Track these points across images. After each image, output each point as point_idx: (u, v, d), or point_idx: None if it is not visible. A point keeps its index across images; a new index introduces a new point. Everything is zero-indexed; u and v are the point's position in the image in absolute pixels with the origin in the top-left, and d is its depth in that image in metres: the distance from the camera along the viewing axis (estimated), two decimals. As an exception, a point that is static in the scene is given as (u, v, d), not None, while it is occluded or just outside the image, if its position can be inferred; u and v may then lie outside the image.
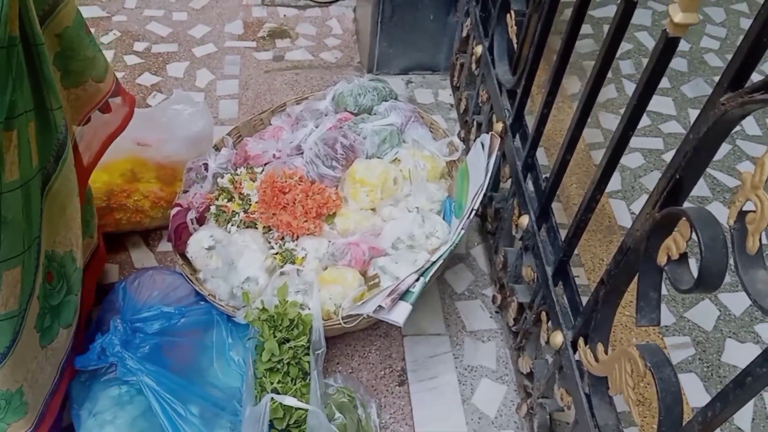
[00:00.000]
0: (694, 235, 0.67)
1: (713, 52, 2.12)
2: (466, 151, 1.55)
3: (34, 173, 0.88)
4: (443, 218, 1.39)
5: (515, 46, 1.28)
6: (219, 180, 1.46)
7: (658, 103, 1.94)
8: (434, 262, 1.15)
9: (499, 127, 1.31)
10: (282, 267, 1.30)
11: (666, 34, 0.76)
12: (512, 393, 1.31)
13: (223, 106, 1.92)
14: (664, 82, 2.01)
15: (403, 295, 1.12)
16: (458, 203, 1.36)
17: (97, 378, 1.17)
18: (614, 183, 1.72)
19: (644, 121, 1.89)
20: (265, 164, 1.50)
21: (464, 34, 1.65)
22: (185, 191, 1.50)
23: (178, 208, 1.44)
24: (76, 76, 1.06)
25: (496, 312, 1.43)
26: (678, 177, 0.73)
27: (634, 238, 0.81)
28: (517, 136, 1.31)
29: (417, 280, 1.13)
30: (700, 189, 1.71)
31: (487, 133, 1.45)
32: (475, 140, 1.57)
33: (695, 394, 1.33)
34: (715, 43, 2.15)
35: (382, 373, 1.33)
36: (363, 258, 1.28)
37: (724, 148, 1.82)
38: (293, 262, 1.30)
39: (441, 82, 1.93)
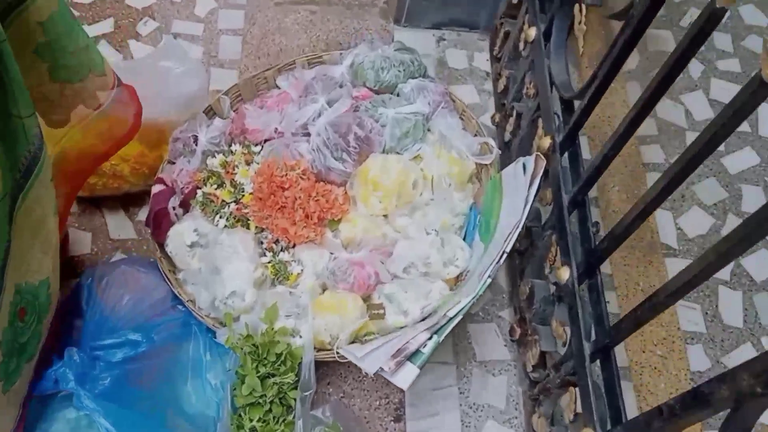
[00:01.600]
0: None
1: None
2: (501, 143, 1.34)
3: None
4: (465, 234, 1.20)
5: (581, 47, 1.03)
6: (209, 160, 1.24)
7: (722, 92, 1.68)
8: (452, 318, 0.97)
9: (546, 142, 1.09)
10: (273, 281, 1.13)
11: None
12: (520, 441, 1.18)
13: (224, 43, 1.67)
14: (734, 63, 1.74)
15: (412, 356, 0.95)
16: (485, 221, 1.16)
17: (55, 395, 1.02)
18: (662, 190, 1.50)
19: (704, 113, 1.64)
20: (266, 140, 1.29)
21: (515, -1, 1.37)
22: (171, 162, 1.30)
23: (161, 187, 1.25)
24: (74, 70, 0.89)
25: (512, 341, 1.27)
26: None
27: (718, 395, 0.62)
28: (566, 156, 1.09)
29: (430, 338, 0.96)
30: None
31: (529, 132, 1.23)
32: (512, 131, 1.35)
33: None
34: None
35: (377, 403, 1.19)
36: (368, 282, 1.10)
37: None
38: (287, 278, 1.12)
39: (478, 42, 1.65)
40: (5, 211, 0.76)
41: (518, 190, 1.06)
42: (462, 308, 0.98)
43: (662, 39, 1.75)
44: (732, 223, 1.47)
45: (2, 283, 0.78)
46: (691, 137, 1.59)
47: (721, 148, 1.59)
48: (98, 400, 0.94)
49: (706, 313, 1.35)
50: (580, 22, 1.03)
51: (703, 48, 1.72)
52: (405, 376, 0.94)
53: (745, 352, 1.31)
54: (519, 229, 1.01)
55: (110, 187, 1.35)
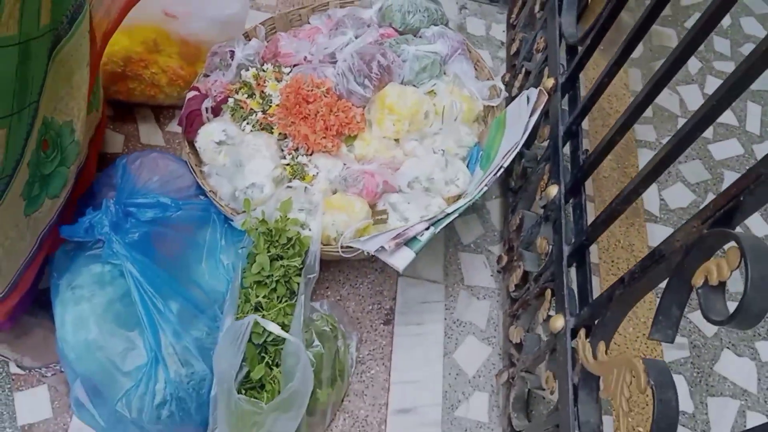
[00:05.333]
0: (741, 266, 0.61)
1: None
2: (508, 98, 1.46)
3: (41, 33, 0.80)
4: (467, 166, 1.31)
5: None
6: (243, 72, 1.37)
7: (716, 86, 1.80)
8: (449, 214, 1.09)
9: (549, 83, 1.21)
10: (290, 181, 1.24)
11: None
12: (495, 357, 1.28)
13: (262, -12, 1.80)
14: (729, 65, 1.87)
15: (409, 241, 1.06)
16: (486, 154, 1.28)
17: (83, 251, 1.12)
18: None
19: (697, 104, 1.76)
20: (295, 65, 1.41)
21: (535, -31, 1.50)
22: (206, 75, 1.42)
23: (195, 93, 1.36)
24: None
25: (498, 272, 1.38)
26: (741, 199, 0.65)
27: (672, 248, 0.74)
28: (566, 97, 1.21)
29: (427, 228, 1.07)
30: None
31: (535, 84, 1.35)
32: (519, 88, 1.48)
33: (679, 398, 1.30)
34: (797, 33, 1.99)
35: (370, 307, 1.30)
36: (375, 190, 1.22)
37: (774, 152, 1.71)
38: (303, 179, 1.23)
39: (497, 15, 1.79)
40: (47, 46, 0.86)
41: (521, 118, 1.17)
42: (458, 207, 1.09)
43: (666, 35, 1.88)
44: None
45: (37, 111, 0.88)
46: (682, 123, 1.72)
47: (709, 135, 1.72)
48: (128, 248, 1.05)
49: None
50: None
51: (702, 48, 1.86)
52: (402, 258, 1.05)
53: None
54: (518, 149, 1.13)
55: (146, 94, 1.47)
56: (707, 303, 0.66)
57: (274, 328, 1.02)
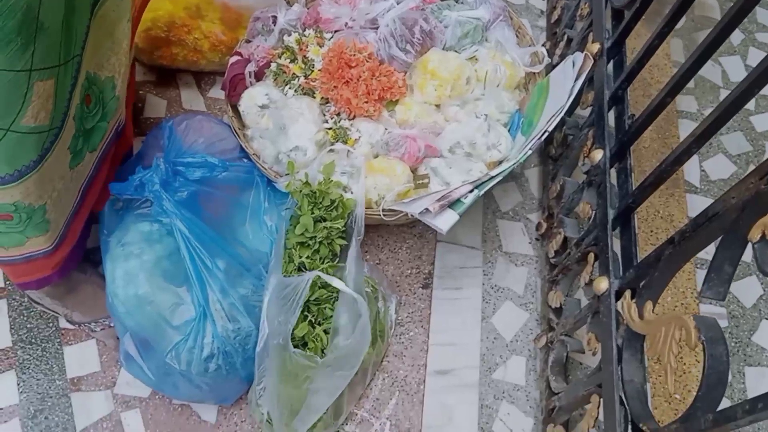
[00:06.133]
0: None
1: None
2: (549, 65, 1.45)
3: None
4: (509, 131, 1.31)
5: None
6: (285, 37, 1.37)
7: (758, 60, 1.77)
8: (493, 177, 1.09)
9: (594, 48, 1.20)
10: (333, 144, 1.25)
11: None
12: (533, 322, 1.29)
13: (301, -43, 1.79)
14: (773, 38, 1.83)
15: (453, 204, 1.07)
16: (528, 120, 1.27)
17: (131, 210, 1.15)
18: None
19: (739, 76, 1.74)
20: (336, 31, 1.41)
21: (579, -66, 1.48)
22: (248, 41, 1.42)
23: (238, 58, 1.37)
24: None
25: (537, 239, 1.38)
26: (803, 152, 0.65)
27: (727, 205, 0.74)
28: (611, 63, 1.21)
29: (471, 191, 1.08)
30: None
31: (579, 51, 1.34)
32: (560, 56, 1.46)
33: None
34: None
35: (409, 271, 1.31)
36: (417, 154, 1.22)
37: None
38: (345, 142, 1.24)
39: (536, -16, 1.77)
40: (89, 1, 0.88)
41: (565, 83, 1.17)
42: (503, 170, 1.09)
43: (708, 6, 1.85)
44: (753, 174, 1.57)
45: (80, 65, 0.89)
46: (724, 94, 1.69)
47: (751, 107, 1.69)
48: (178, 206, 1.07)
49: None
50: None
51: (745, 19, 1.82)
52: (445, 220, 1.06)
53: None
54: (563, 113, 1.13)
55: (189, 60, 1.49)
56: (763, 256, 0.66)
57: (339, 284, 1.04)
